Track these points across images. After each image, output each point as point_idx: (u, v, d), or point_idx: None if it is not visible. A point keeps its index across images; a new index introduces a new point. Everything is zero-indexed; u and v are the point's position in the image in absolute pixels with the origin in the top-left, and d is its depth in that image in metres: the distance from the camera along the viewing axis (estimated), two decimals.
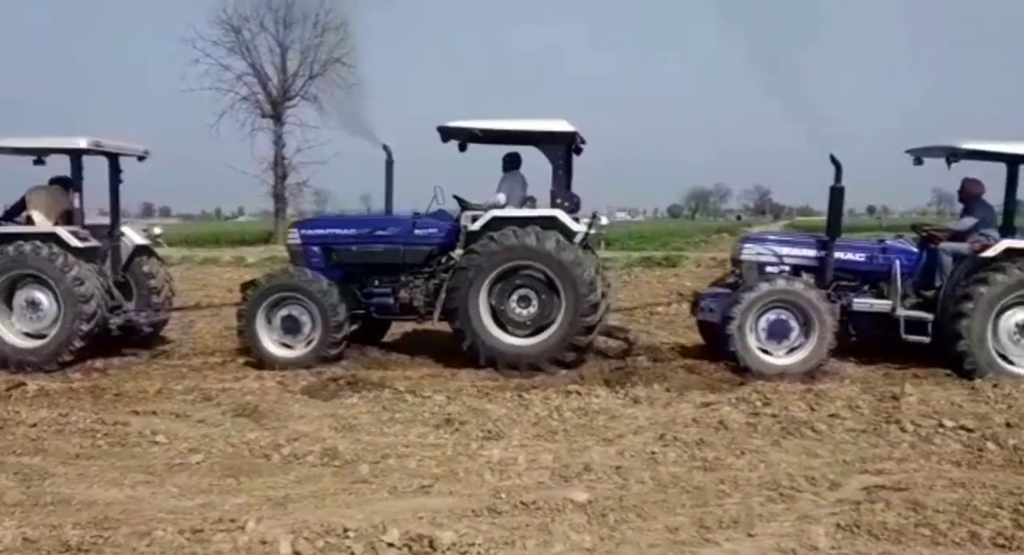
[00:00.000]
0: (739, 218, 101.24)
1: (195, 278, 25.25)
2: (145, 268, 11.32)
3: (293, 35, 42.52)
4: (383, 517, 4.83)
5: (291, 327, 10.02)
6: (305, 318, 9.98)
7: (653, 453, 6.32)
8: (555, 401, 7.96)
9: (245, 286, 10.47)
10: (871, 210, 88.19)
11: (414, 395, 8.22)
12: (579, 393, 8.24)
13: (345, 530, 4.59)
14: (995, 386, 8.43)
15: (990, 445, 6.43)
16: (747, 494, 5.39)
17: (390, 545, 4.45)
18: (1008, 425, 6.94)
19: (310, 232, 10.73)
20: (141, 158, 11.25)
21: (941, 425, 6.96)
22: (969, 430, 6.83)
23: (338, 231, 10.66)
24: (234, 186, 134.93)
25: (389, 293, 10.37)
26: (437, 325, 10.20)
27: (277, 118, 42.53)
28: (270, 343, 10.00)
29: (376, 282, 10.46)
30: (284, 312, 10.04)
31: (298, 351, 9.97)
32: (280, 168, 42.51)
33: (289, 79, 42.65)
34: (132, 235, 11.34)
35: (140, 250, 11.32)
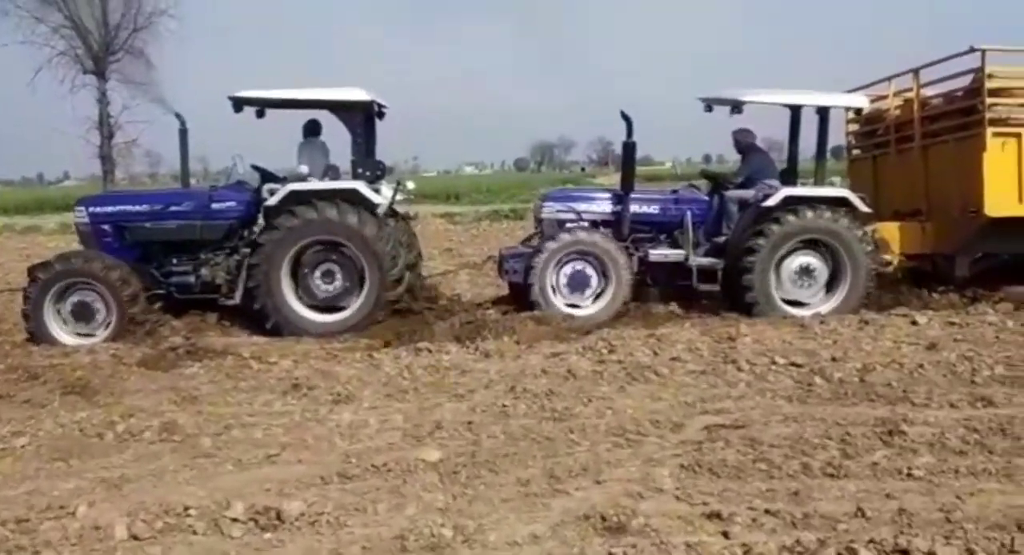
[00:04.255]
0: (583, 170, 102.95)
1: (16, 248, 23.68)
2: None
3: None
4: (227, 492, 4.65)
5: (83, 314, 9.41)
6: (98, 304, 9.40)
7: (504, 406, 6.35)
8: (405, 360, 7.88)
9: (33, 270, 9.62)
10: (707, 158, 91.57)
11: (259, 361, 7.95)
12: (430, 350, 8.20)
13: (186, 508, 4.38)
14: (822, 323, 8.97)
15: (818, 379, 6.80)
16: (595, 441, 5.49)
17: (235, 520, 4.27)
18: (834, 359, 7.40)
19: (99, 210, 10.12)
20: None
21: (774, 362, 7.33)
22: (799, 366, 7.22)
23: (129, 208, 10.11)
24: (57, 148, 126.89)
25: (189, 271, 9.87)
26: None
27: (100, 74, 39.85)
28: (64, 335, 9.38)
29: (174, 260, 9.96)
30: (74, 299, 9.41)
31: (94, 339, 9.34)
32: (106, 127, 39.81)
33: (111, 32, 39.97)
34: None
35: None
